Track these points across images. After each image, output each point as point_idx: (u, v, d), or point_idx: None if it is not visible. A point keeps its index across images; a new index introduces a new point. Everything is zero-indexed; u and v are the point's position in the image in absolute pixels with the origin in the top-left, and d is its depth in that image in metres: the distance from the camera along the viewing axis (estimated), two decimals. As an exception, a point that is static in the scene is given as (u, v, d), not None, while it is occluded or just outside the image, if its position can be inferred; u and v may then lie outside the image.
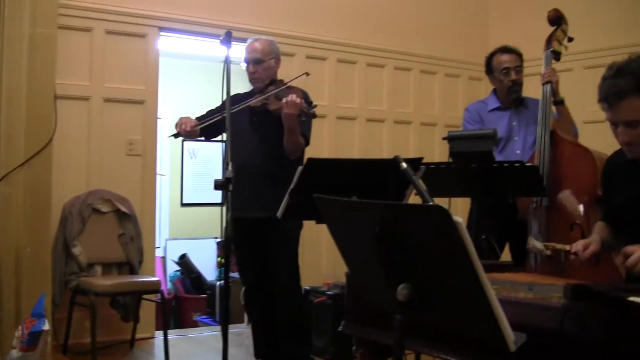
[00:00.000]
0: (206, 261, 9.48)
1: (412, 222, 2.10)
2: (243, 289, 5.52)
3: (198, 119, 5.20)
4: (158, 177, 9.17)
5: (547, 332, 2.13)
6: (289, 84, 5.13)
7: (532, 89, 5.43)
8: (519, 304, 2.36)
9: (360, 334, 2.87)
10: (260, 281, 5.26)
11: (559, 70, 5.20)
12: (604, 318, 2.03)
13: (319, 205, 2.47)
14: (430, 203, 3.09)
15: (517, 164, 4.38)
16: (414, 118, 8.10)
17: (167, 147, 9.72)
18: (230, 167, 4.12)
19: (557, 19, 5.33)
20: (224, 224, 4.13)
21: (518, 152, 5.28)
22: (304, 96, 5.02)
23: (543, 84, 5.05)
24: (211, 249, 9.54)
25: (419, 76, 8.15)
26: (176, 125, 5.16)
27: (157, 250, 9.06)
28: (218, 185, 4.09)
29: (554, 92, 5.03)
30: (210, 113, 5.26)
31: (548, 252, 4.25)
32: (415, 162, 4.21)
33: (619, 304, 2.06)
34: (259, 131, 5.09)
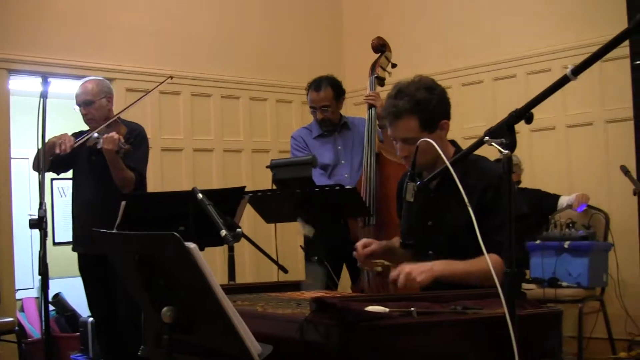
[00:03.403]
0: (81, 298, 9.45)
1: (162, 250, 2.27)
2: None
3: None
4: (28, 217, 9.14)
5: (294, 342, 2.31)
6: (116, 117, 5.23)
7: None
8: (277, 319, 2.55)
9: (154, 357, 3.01)
10: (108, 314, 5.35)
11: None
12: (341, 326, 2.22)
13: (96, 239, 2.63)
14: (222, 230, 3.31)
15: (337, 187, 4.59)
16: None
17: (35, 186, 9.66)
18: (44, 207, 4.21)
19: (380, 47, 5.60)
20: (40, 261, 4.22)
21: (346, 175, 5.48)
22: (132, 131, 5.15)
23: (368, 108, 5.29)
24: (85, 286, 9.50)
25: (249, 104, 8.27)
26: (50, 147, 5.07)
27: (31, 291, 9.07)
28: (33, 225, 4.19)
29: (379, 116, 5.27)
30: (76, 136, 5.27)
31: (379, 269, 4.48)
32: (238, 191, 4.41)
33: (355, 313, 2.26)
34: (97, 169, 5.16)
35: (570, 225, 6.32)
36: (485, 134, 2.19)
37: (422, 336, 2.32)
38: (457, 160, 2.81)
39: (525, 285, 6.09)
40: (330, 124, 5.61)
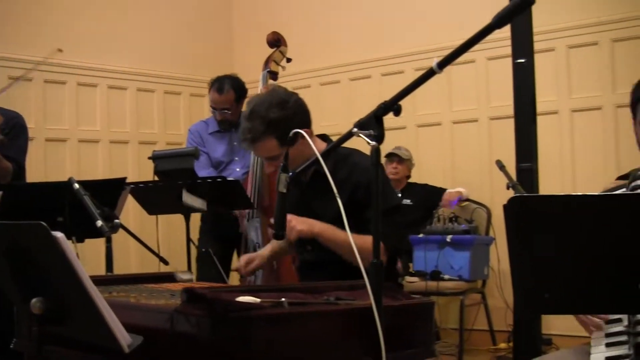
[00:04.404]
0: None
1: (30, 240, 2.22)
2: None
3: None
4: None
5: (166, 333, 2.30)
6: None
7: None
8: (148, 310, 2.53)
9: (26, 350, 2.96)
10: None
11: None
12: (211, 317, 2.22)
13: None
14: (98, 221, 3.26)
15: (219, 179, 4.59)
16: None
17: None
18: None
19: (275, 42, 5.63)
20: None
21: (238, 170, 5.50)
22: (9, 120, 5.02)
23: None
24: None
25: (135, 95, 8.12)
26: None
27: None
28: None
29: None
30: None
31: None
32: (119, 182, 4.36)
33: (225, 304, 2.26)
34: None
35: (453, 219, 6.44)
36: (355, 126, 2.21)
37: (294, 326, 2.33)
38: (328, 154, 2.84)
39: (408, 278, 6.20)
40: (229, 124, 5.63)
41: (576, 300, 2.09)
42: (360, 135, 2.19)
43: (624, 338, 2.45)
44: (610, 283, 1.98)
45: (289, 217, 3.16)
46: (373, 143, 2.16)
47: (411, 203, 6.83)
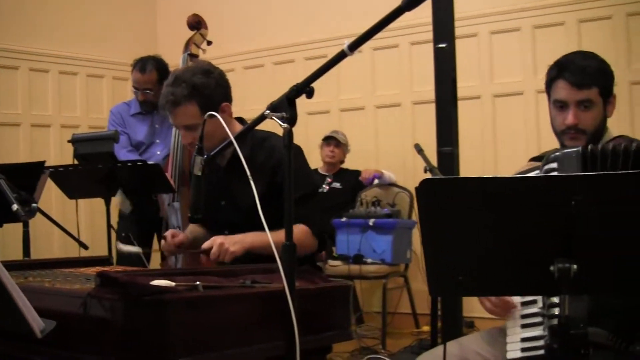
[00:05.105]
0: None
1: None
2: None
3: None
4: None
5: (78, 317, 2.28)
6: None
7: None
8: (63, 294, 2.50)
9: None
10: None
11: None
12: (125, 300, 2.20)
13: None
14: (14, 205, 3.20)
15: (139, 163, 4.55)
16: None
17: None
18: None
19: (195, 24, 5.59)
20: None
21: (158, 153, 5.45)
22: None
23: None
24: None
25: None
26: None
27: None
28: None
29: None
30: None
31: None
32: (38, 166, 4.29)
33: (139, 287, 2.25)
34: None
35: (376, 203, 6.47)
36: (267, 108, 2.22)
37: (209, 310, 2.33)
38: (243, 137, 2.83)
39: (330, 262, 6.23)
40: (151, 105, 5.51)
41: (490, 283, 2.12)
42: (273, 117, 2.19)
43: (538, 319, 2.49)
44: (523, 265, 2.01)
45: (221, 239, 3.16)
46: (285, 125, 2.17)
47: (340, 187, 6.87)
